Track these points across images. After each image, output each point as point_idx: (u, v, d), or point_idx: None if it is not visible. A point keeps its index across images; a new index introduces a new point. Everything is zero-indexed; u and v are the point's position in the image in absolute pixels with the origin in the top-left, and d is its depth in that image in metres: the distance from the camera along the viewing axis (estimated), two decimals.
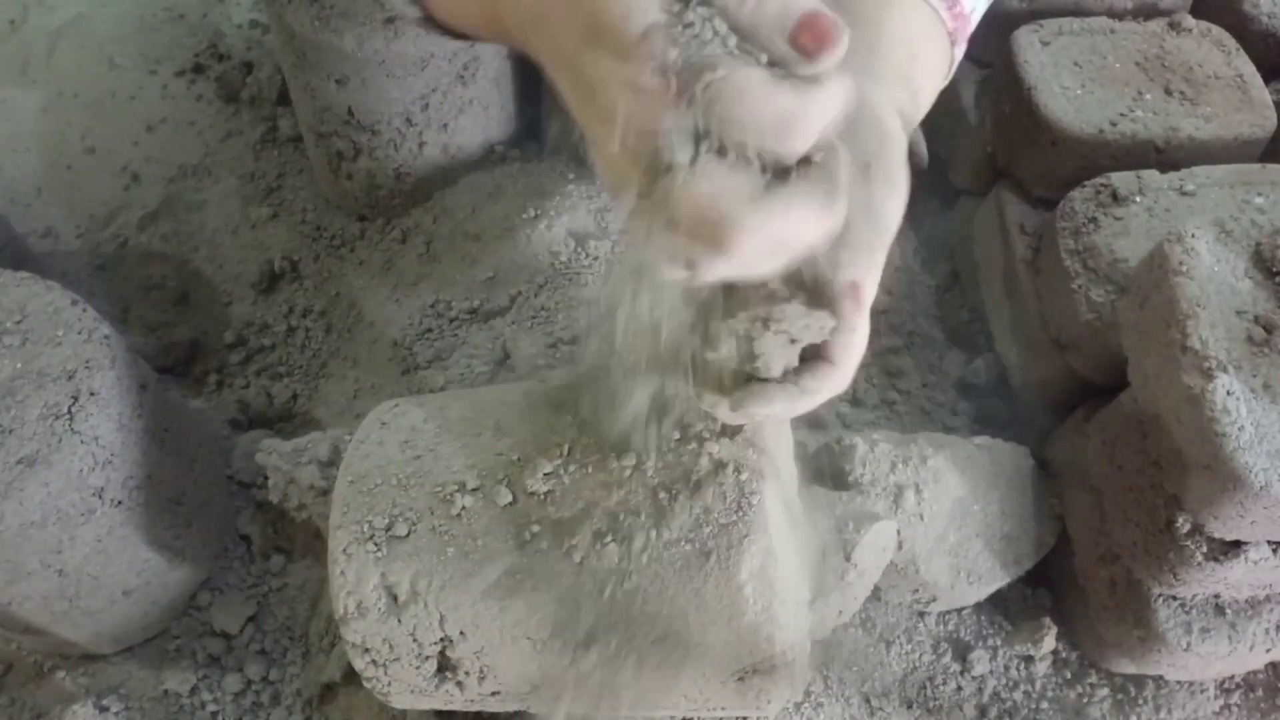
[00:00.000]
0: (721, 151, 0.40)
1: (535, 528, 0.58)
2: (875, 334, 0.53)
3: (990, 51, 0.92)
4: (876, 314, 0.52)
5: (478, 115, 0.99)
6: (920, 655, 0.82)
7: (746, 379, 0.53)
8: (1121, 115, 0.83)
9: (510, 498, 0.59)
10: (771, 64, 0.39)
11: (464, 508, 0.59)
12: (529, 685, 0.61)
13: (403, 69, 0.91)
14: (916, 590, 0.79)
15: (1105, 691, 0.81)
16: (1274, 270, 0.66)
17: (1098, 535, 0.77)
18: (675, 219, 0.39)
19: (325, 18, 0.88)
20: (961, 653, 0.82)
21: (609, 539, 0.57)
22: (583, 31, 0.41)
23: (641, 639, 0.57)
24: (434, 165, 1.01)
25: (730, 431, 0.59)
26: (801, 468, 0.71)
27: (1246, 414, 0.61)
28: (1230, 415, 0.60)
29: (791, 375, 0.52)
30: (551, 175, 0.99)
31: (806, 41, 0.38)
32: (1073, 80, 0.85)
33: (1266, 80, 0.87)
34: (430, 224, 1.03)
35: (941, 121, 1.01)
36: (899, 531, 0.74)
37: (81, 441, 0.68)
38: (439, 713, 0.74)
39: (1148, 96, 0.85)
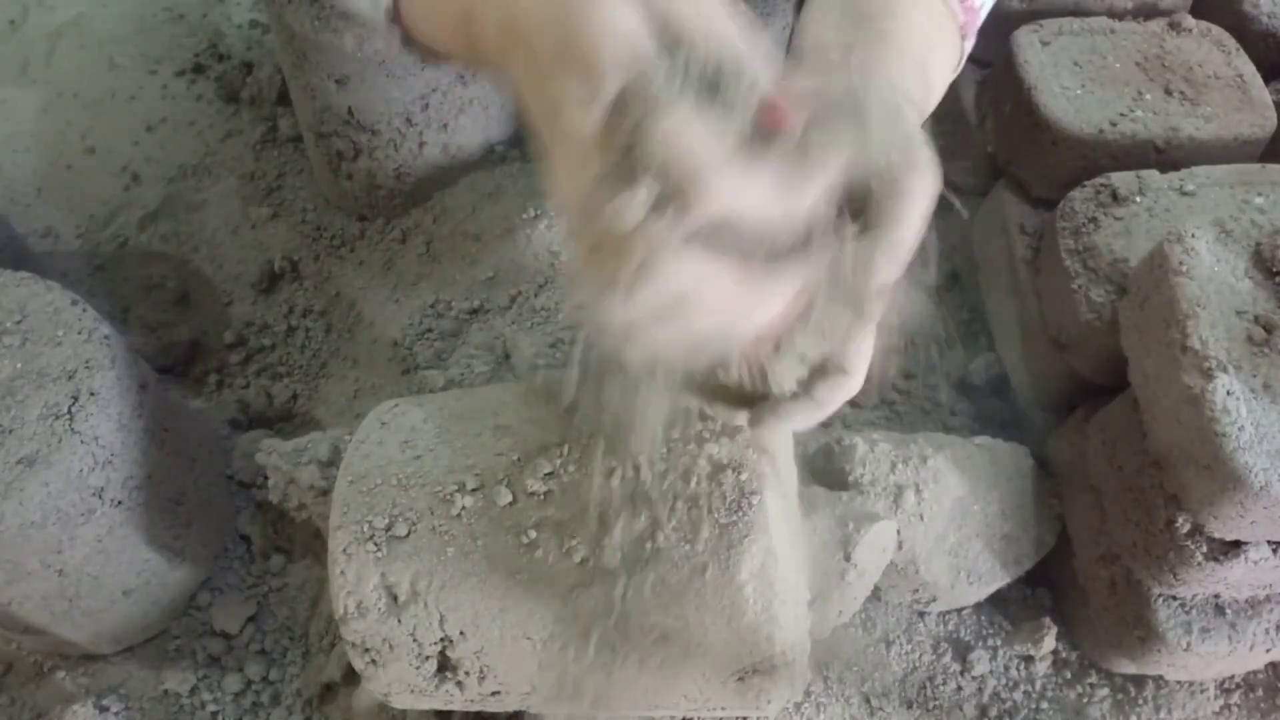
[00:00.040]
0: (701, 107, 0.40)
1: (535, 528, 0.58)
2: (875, 335, 0.53)
3: (990, 51, 0.92)
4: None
5: (478, 115, 0.99)
6: (920, 655, 0.82)
7: (761, 395, 0.53)
8: (1121, 115, 0.83)
9: (510, 498, 0.59)
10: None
11: (464, 508, 0.59)
12: (529, 685, 0.61)
13: (403, 69, 0.91)
14: (916, 590, 0.79)
15: (1105, 691, 0.81)
16: (1274, 270, 0.66)
17: (1098, 535, 0.77)
18: (646, 164, 0.39)
19: (325, 18, 0.88)
20: (961, 653, 0.82)
21: (609, 539, 0.57)
22: (556, 51, 0.42)
23: (642, 639, 0.57)
24: (434, 165, 1.01)
25: (730, 432, 0.59)
26: (801, 468, 0.71)
27: (1246, 414, 0.61)
28: (1230, 415, 0.60)
29: (804, 386, 0.52)
30: None
31: (769, 124, 0.41)
32: (1073, 80, 0.85)
33: (1266, 80, 0.87)
34: (430, 224, 1.03)
35: (941, 121, 1.01)
36: (899, 531, 0.74)
37: (81, 441, 0.68)
38: (439, 713, 0.74)
39: (1148, 96, 0.85)
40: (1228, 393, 0.61)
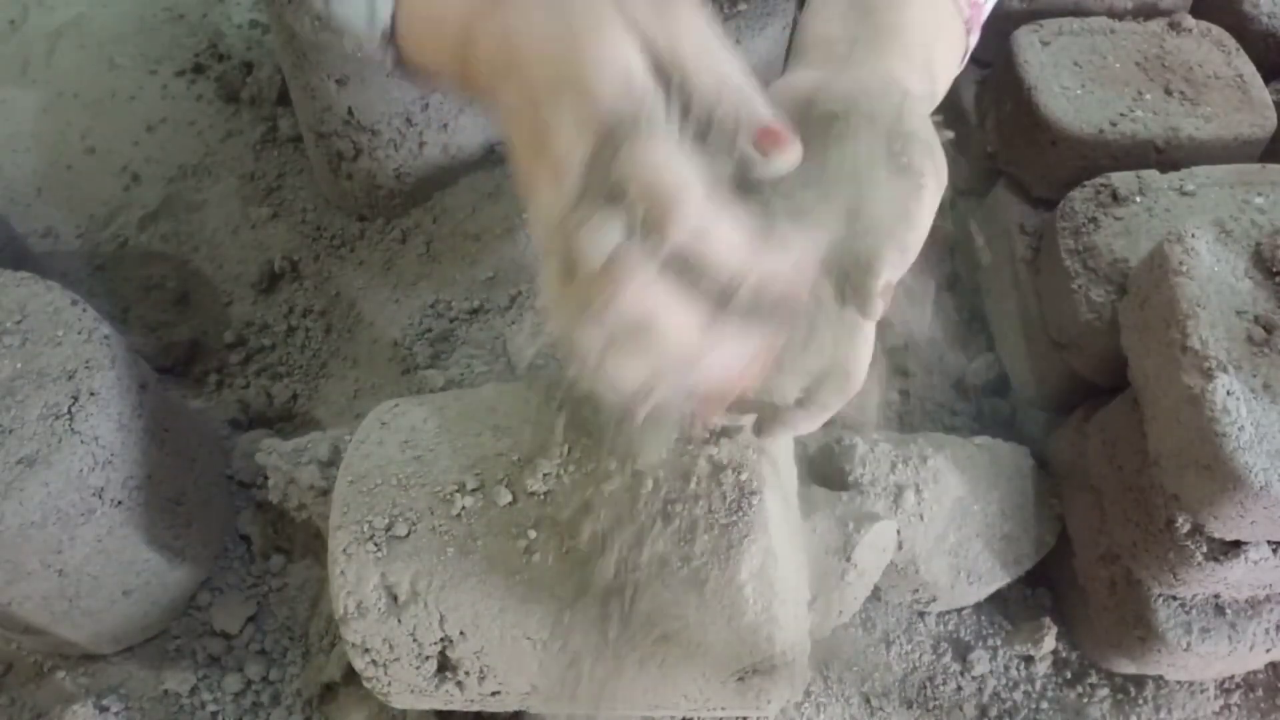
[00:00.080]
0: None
1: (535, 528, 0.58)
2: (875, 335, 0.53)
3: (990, 51, 0.92)
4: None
5: (478, 115, 0.99)
6: (920, 655, 0.82)
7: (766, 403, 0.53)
8: (1121, 115, 0.83)
9: (510, 498, 0.59)
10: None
11: (464, 508, 0.59)
12: (529, 685, 0.61)
13: None
14: (916, 590, 0.79)
15: (1105, 691, 0.81)
16: (1274, 270, 0.66)
17: (1098, 535, 0.77)
18: (623, 187, 0.40)
19: (326, 18, 0.88)
20: (961, 653, 0.82)
21: (609, 539, 0.57)
22: (554, 77, 0.43)
23: (642, 639, 0.57)
24: (434, 165, 1.01)
25: (730, 432, 0.59)
26: (801, 468, 0.71)
27: (1246, 414, 0.61)
28: (1230, 415, 0.60)
29: (807, 392, 0.52)
30: None
31: (767, 145, 0.42)
32: (1073, 80, 0.85)
33: (1266, 80, 0.87)
34: (430, 224, 1.03)
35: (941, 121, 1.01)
36: (899, 531, 0.74)
37: (81, 441, 0.68)
38: (439, 713, 0.74)
39: (1148, 96, 0.85)
40: (1228, 393, 0.61)
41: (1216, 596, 0.73)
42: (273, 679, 0.81)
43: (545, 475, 0.59)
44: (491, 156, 1.03)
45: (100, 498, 0.70)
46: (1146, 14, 0.92)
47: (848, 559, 0.69)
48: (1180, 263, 0.66)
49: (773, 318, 0.42)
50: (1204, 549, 0.66)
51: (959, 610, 0.84)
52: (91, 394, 0.69)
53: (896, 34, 0.54)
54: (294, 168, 1.15)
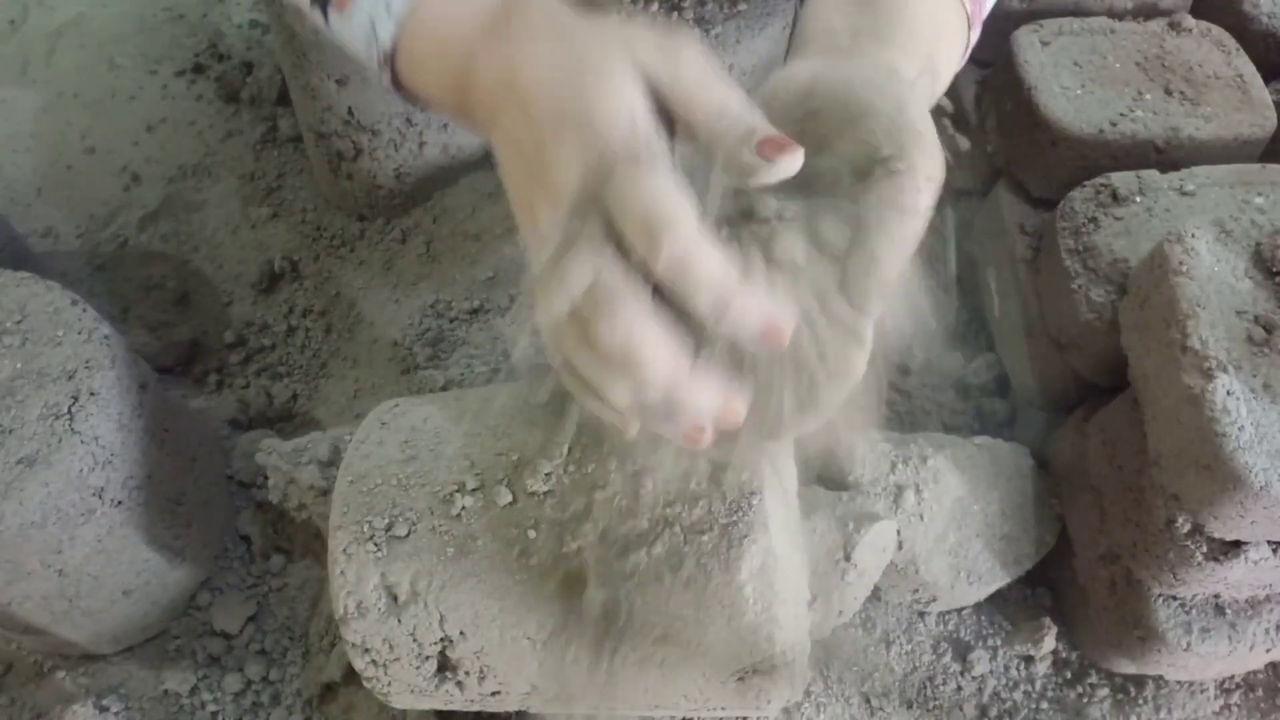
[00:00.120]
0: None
1: (535, 528, 0.58)
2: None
3: (990, 51, 0.92)
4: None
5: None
6: (920, 655, 0.82)
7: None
8: (1121, 115, 0.83)
9: (510, 498, 0.59)
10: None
11: (464, 508, 0.59)
12: (529, 685, 0.61)
13: None
14: (916, 590, 0.79)
15: (1105, 691, 0.81)
16: (1274, 270, 0.66)
17: (1098, 535, 0.77)
18: (617, 215, 0.42)
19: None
20: (961, 653, 0.82)
21: (609, 539, 0.57)
22: (557, 113, 0.44)
23: (642, 639, 0.57)
24: (434, 165, 1.01)
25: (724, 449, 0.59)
26: (801, 468, 0.71)
27: (1246, 414, 0.61)
28: (1230, 415, 0.60)
29: (808, 393, 0.52)
30: None
31: (769, 151, 0.43)
32: (1073, 80, 0.85)
33: (1266, 80, 0.87)
34: (430, 224, 1.03)
35: (942, 121, 1.01)
36: (899, 531, 0.74)
37: (81, 441, 0.68)
38: (439, 713, 0.74)
39: (1148, 96, 0.85)
40: (1228, 393, 0.61)
41: (1216, 596, 0.73)
42: (273, 679, 0.81)
43: (545, 475, 0.59)
44: (492, 157, 1.03)
45: (100, 498, 0.70)
46: (1146, 14, 0.92)
47: (848, 559, 0.69)
48: (1180, 263, 0.66)
49: (758, 351, 0.43)
50: (1204, 549, 0.66)
51: (959, 610, 0.84)
52: (91, 394, 0.69)
53: (898, 25, 0.54)
54: (294, 168, 1.15)
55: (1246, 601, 0.73)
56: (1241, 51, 0.88)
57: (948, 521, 0.77)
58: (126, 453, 0.72)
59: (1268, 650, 0.73)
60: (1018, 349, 0.90)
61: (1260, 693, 0.81)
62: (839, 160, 0.48)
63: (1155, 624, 0.73)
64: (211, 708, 0.80)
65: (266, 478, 0.79)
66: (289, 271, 1.06)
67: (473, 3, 0.51)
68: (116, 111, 1.23)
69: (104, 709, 0.78)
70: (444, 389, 0.90)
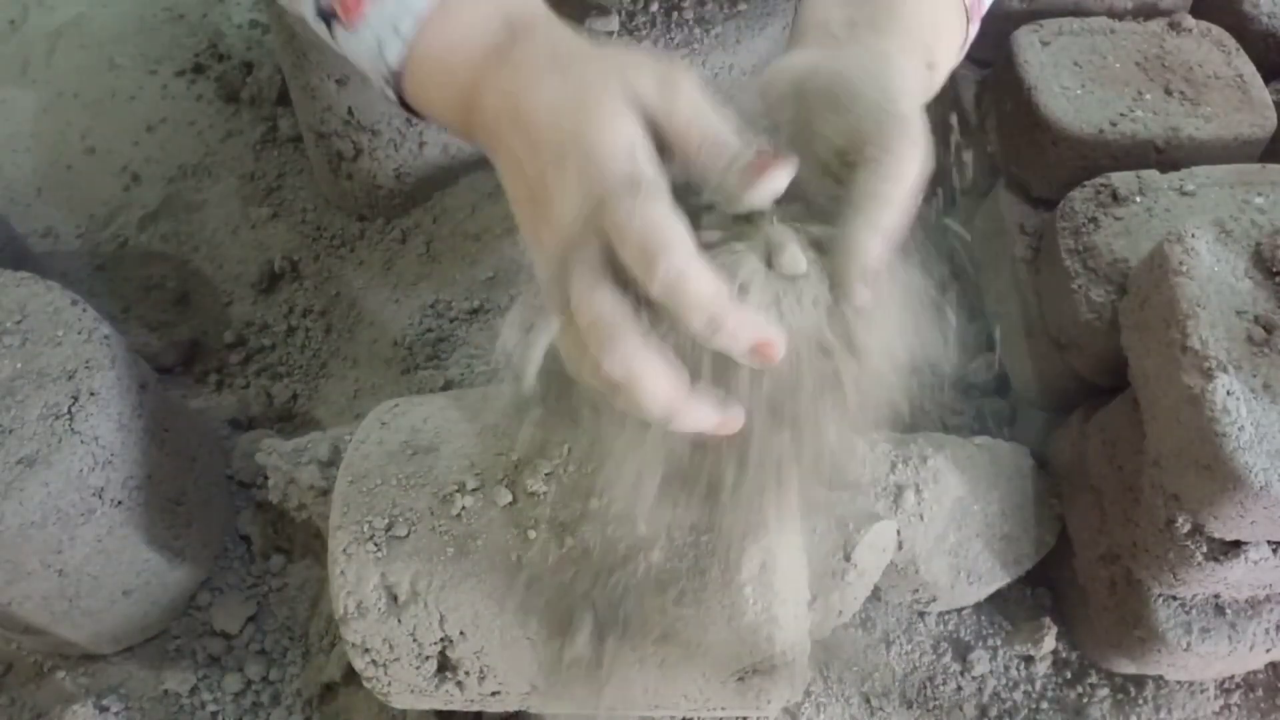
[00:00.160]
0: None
1: (535, 528, 0.58)
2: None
3: (990, 51, 0.92)
4: None
5: None
6: (920, 655, 0.82)
7: None
8: (1121, 115, 0.83)
9: (510, 498, 0.59)
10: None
11: (464, 508, 0.59)
12: (529, 685, 0.61)
13: None
14: (916, 590, 0.79)
15: (1105, 691, 0.81)
16: (1274, 270, 0.66)
17: (1098, 535, 0.77)
18: (619, 243, 0.44)
19: None
20: (961, 653, 0.82)
21: (609, 539, 0.57)
22: (558, 143, 0.46)
23: (642, 639, 0.57)
24: (434, 165, 1.01)
25: None
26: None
27: (1246, 414, 0.61)
28: (1230, 415, 0.60)
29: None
30: None
31: (754, 174, 0.45)
32: (1073, 80, 0.85)
33: (1266, 80, 0.87)
34: (430, 224, 1.03)
35: (941, 122, 1.01)
36: (899, 531, 0.74)
37: (81, 441, 0.68)
38: (439, 713, 0.74)
39: (1148, 96, 0.85)
40: (1228, 393, 0.61)
41: (1216, 596, 0.73)
42: (273, 679, 0.81)
43: (545, 475, 0.59)
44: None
45: (100, 498, 0.70)
46: (1146, 14, 0.92)
47: (848, 559, 0.69)
48: (1180, 263, 0.66)
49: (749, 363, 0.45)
50: (1204, 549, 0.66)
51: (959, 610, 0.84)
52: (91, 394, 0.69)
53: (895, 16, 0.54)
54: (294, 168, 1.15)
55: (1246, 601, 0.73)
56: (1241, 51, 0.88)
57: (948, 521, 0.77)
58: (126, 453, 0.72)
59: (1268, 650, 0.73)
60: (1018, 349, 0.90)
61: (1260, 693, 0.81)
62: (828, 149, 0.49)
63: (1155, 624, 0.73)
64: (211, 708, 0.80)
65: (266, 478, 0.79)
66: (289, 271, 1.06)
67: (479, 29, 0.52)
68: (116, 111, 1.23)
69: (104, 709, 0.78)
70: (444, 389, 0.90)
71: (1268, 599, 0.73)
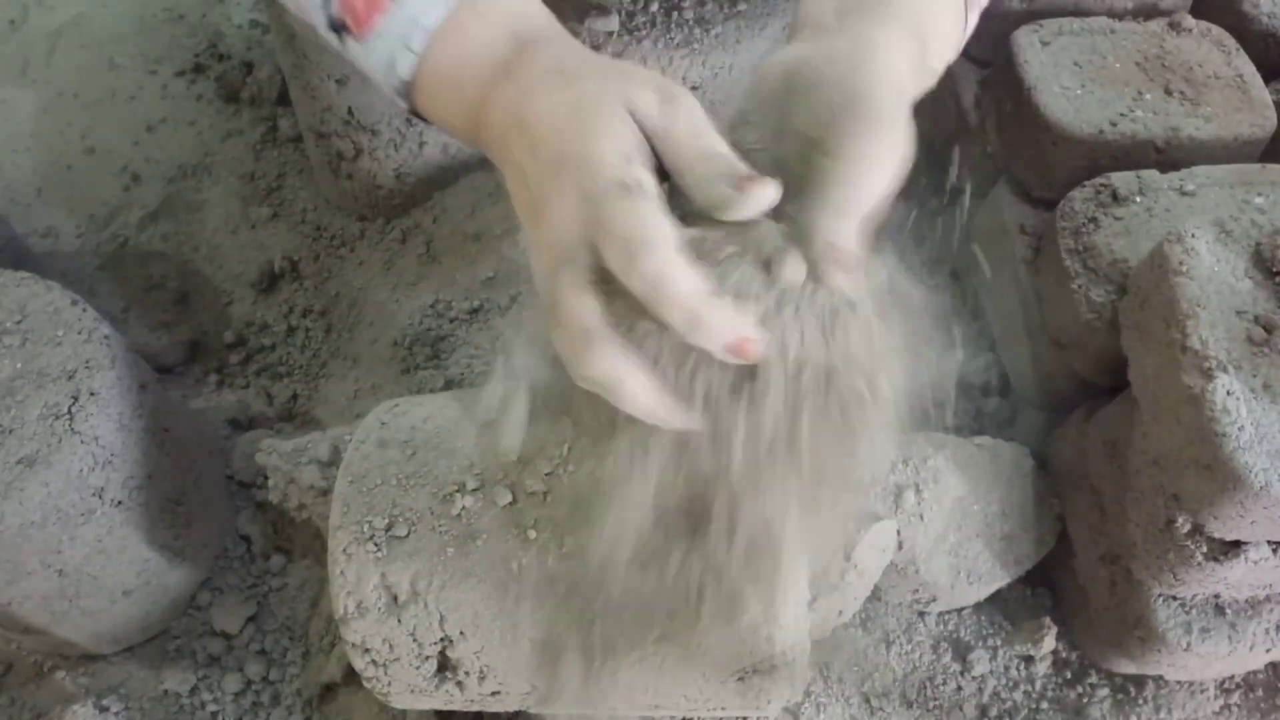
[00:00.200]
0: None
1: (535, 528, 0.58)
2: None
3: (990, 51, 0.92)
4: None
5: None
6: (920, 655, 0.82)
7: None
8: (1121, 115, 0.83)
9: (510, 498, 0.59)
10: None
11: (464, 508, 0.59)
12: (529, 685, 0.61)
13: None
14: (916, 590, 0.79)
15: (1105, 691, 0.81)
16: (1274, 270, 0.66)
17: (1098, 535, 0.77)
18: (604, 242, 0.45)
19: None
20: (961, 653, 0.82)
21: (609, 539, 0.56)
22: (559, 154, 0.47)
23: (642, 639, 0.57)
24: (434, 165, 1.01)
25: None
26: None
27: (1246, 414, 0.61)
28: (1230, 415, 0.60)
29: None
30: None
31: (744, 186, 0.47)
32: (1073, 80, 0.85)
33: (1266, 80, 0.87)
34: (430, 224, 1.03)
35: (942, 121, 1.01)
36: (899, 531, 0.74)
37: (81, 441, 0.68)
38: (439, 713, 0.74)
39: (1148, 96, 0.85)
40: (1228, 393, 0.61)
41: (1216, 596, 0.73)
42: (273, 679, 0.81)
43: (545, 475, 0.59)
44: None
45: (100, 498, 0.70)
46: (1146, 14, 0.92)
47: (847, 559, 0.69)
48: (1180, 263, 0.66)
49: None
50: (1204, 549, 0.66)
51: (959, 610, 0.84)
52: (91, 394, 0.69)
53: (885, 5, 0.54)
54: (294, 168, 1.15)
55: (1246, 601, 0.73)
56: (1241, 51, 0.88)
57: (948, 521, 0.77)
58: (126, 453, 0.72)
59: (1268, 650, 0.73)
60: (1018, 349, 0.90)
61: (1260, 693, 0.81)
62: (805, 142, 0.49)
63: (1155, 624, 0.73)
64: (211, 708, 0.80)
65: (266, 478, 0.79)
66: (289, 271, 1.06)
67: (488, 45, 0.53)
68: (116, 111, 1.23)
69: (104, 709, 0.78)
70: (444, 389, 0.90)
71: (1268, 599, 0.73)
